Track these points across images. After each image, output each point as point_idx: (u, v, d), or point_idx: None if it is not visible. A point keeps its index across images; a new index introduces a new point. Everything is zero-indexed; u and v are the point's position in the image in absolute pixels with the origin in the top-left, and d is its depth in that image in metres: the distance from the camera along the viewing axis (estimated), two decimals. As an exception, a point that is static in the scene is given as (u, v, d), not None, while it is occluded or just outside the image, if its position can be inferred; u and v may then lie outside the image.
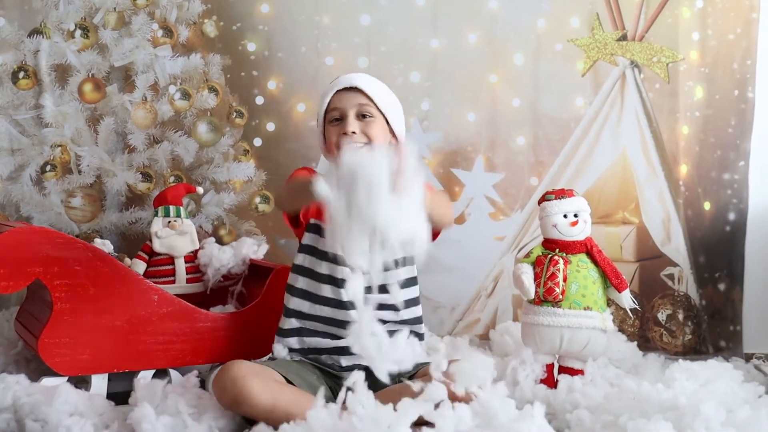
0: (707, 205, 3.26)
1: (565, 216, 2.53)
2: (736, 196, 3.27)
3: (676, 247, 3.22)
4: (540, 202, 2.59)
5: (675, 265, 3.23)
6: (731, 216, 3.27)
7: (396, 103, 2.28)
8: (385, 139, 2.23)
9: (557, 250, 2.50)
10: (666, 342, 3.19)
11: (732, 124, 3.27)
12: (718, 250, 3.27)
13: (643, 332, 3.20)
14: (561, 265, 2.46)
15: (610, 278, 2.49)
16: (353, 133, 2.16)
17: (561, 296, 2.45)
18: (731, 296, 3.25)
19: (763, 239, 3.29)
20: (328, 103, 2.22)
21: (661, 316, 3.19)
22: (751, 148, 3.27)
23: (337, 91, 2.21)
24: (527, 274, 2.50)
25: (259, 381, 1.96)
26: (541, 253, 2.53)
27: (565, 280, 2.45)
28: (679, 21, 3.26)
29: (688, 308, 3.20)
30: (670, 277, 3.22)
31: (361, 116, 2.20)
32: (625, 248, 3.22)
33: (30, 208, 3.00)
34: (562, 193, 2.56)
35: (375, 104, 2.20)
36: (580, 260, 2.51)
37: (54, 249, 2.29)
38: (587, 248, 2.53)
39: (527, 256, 2.56)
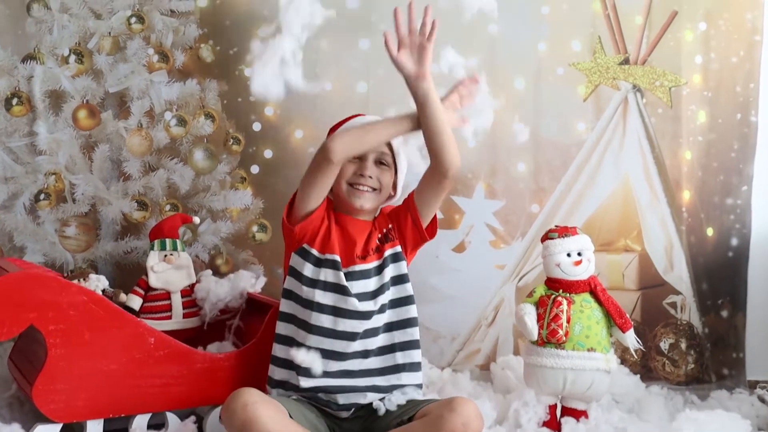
0: (710, 231, 3.23)
1: (568, 255, 2.51)
2: (738, 221, 3.25)
3: (678, 274, 3.19)
4: (543, 239, 2.56)
5: (678, 293, 3.20)
6: (734, 241, 3.24)
7: (405, 160, 2.35)
8: (389, 191, 2.31)
9: (560, 290, 2.48)
10: (668, 372, 3.16)
11: (735, 148, 3.24)
12: (721, 276, 3.24)
13: (645, 362, 3.18)
14: (564, 306, 2.44)
15: (614, 318, 2.47)
16: (369, 177, 2.25)
17: (564, 338, 2.43)
18: (734, 323, 3.23)
19: (766, 264, 3.26)
20: None
21: (664, 345, 3.16)
22: (754, 172, 3.25)
23: None
24: (530, 315, 2.48)
25: (270, 410, 1.98)
26: (544, 293, 2.51)
27: (568, 321, 2.43)
28: (681, 44, 3.22)
29: (690, 337, 3.17)
30: (673, 305, 3.19)
31: (378, 162, 2.28)
32: (628, 276, 3.19)
33: (23, 237, 2.94)
34: (565, 231, 2.54)
35: (393, 155, 2.28)
36: (584, 300, 2.49)
37: (48, 293, 2.25)
38: (591, 287, 2.50)
39: (530, 295, 2.54)
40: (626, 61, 3.20)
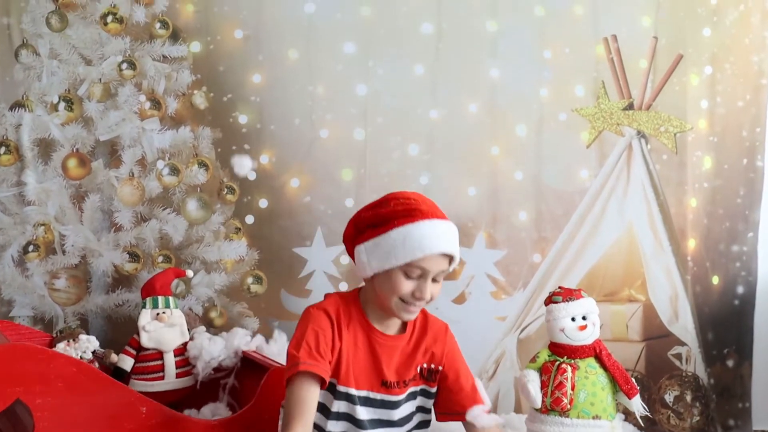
0: (715, 279, 3.18)
1: (573, 319, 2.42)
2: (744, 268, 3.20)
3: (683, 325, 3.13)
4: (546, 302, 2.48)
5: (683, 344, 3.14)
6: (740, 289, 3.20)
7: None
8: None
9: (565, 357, 2.40)
10: (673, 425, 3.10)
11: (741, 194, 3.21)
12: (727, 325, 3.19)
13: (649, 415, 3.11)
14: (569, 374, 2.36)
15: (620, 384, 2.39)
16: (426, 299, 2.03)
17: (569, 406, 2.35)
18: (740, 372, 3.19)
19: (773, 312, 3.21)
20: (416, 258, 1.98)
21: (669, 397, 3.10)
22: (760, 218, 3.21)
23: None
24: (533, 382, 2.41)
25: None
26: (548, 359, 2.43)
27: (573, 388, 2.35)
28: (687, 88, 3.17)
29: (696, 389, 3.12)
30: (678, 356, 3.13)
31: (434, 279, 2.04)
32: (632, 327, 3.13)
33: (12, 290, 2.88)
34: (569, 295, 2.45)
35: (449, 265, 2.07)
36: (589, 365, 2.40)
37: (36, 366, 2.19)
38: (596, 352, 2.42)
39: (533, 360, 2.46)
40: (630, 107, 3.14)
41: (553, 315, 2.44)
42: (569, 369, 2.37)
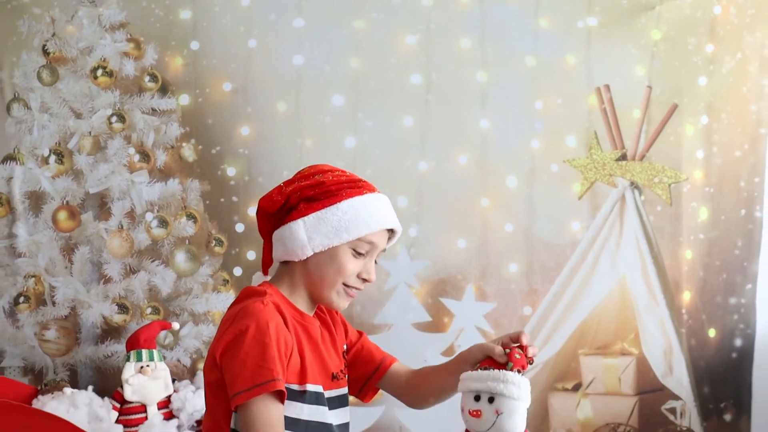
0: (712, 332, 3.14)
1: (477, 398, 1.71)
2: (742, 320, 3.16)
3: (678, 379, 3.10)
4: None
5: (677, 398, 3.11)
6: (738, 342, 3.16)
7: None
8: None
9: None
10: (667, 481, 3.07)
11: (738, 245, 3.16)
12: (724, 378, 3.15)
13: (644, 471, 3.09)
14: None
15: None
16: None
17: None
18: (738, 427, 3.15)
19: (772, 364, 3.16)
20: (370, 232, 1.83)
21: (663, 453, 3.07)
22: (758, 270, 3.16)
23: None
24: None
25: None
26: None
27: None
28: (682, 138, 3.14)
29: (691, 444, 3.08)
30: (672, 411, 3.10)
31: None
32: (624, 381, 3.10)
33: (2, 341, 2.92)
34: (488, 363, 1.76)
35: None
36: None
37: (13, 424, 2.20)
38: None
39: None
40: (623, 157, 3.12)
41: (459, 388, 1.78)
42: None
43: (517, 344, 1.78)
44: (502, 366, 1.72)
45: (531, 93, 3.10)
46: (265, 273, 1.91)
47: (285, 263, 1.87)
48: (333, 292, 1.84)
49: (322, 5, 3.04)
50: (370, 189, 1.89)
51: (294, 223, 1.81)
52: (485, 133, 3.09)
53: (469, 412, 1.69)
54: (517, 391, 1.68)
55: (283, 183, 1.86)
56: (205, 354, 2.94)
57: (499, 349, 1.76)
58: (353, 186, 1.85)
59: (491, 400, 1.68)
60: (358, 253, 1.83)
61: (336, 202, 1.82)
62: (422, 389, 2.02)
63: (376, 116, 3.05)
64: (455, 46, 3.08)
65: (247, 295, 1.81)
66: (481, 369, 1.74)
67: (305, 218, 1.81)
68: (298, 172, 1.89)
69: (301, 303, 1.86)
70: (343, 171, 1.88)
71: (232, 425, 1.74)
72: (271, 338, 1.69)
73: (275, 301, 1.77)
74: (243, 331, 1.69)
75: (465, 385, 1.74)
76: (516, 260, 3.10)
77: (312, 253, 1.81)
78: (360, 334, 2.05)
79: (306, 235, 1.80)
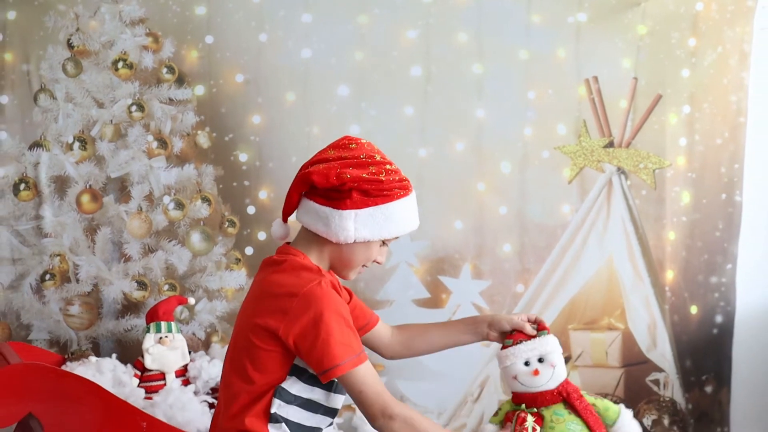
0: (694, 309, 3.29)
1: (526, 363, 2.15)
2: (723, 299, 3.31)
3: (661, 352, 3.25)
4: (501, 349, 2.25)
5: (660, 370, 3.26)
6: (718, 319, 3.31)
7: None
8: None
9: (523, 405, 2.15)
10: (651, 448, 3.24)
11: (720, 228, 3.31)
12: (705, 352, 3.30)
13: (628, 438, 3.24)
14: (529, 423, 2.10)
15: (593, 430, 2.13)
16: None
17: None
18: (718, 398, 3.30)
19: (751, 340, 3.32)
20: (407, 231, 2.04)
21: (647, 421, 3.23)
22: (738, 251, 3.32)
23: None
24: None
25: None
26: (510, 409, 2.21)
27: None
28: (666, 127, 3.28)
29: (673, 413, 3.24)
30: (656, 382, 3.25)
31: None
32: (611, 354, 3.25)
33: (30, 316, 3.10)
34: (520, 337, 2.19)
35: None
36: (555, 413, 2.13)
37: (45, 383, 2.38)
38: (563, 396, 2.14)
39: (496, 414, 2.25)
40: (611, 144, 3.27)
41: (503, 363, 2.19)
42: (530, 417, 2.12)
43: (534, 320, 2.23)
44: (532, 336, 2.19)
45: (524, 84, 3.24)
46: (285, 221, 2.08)
47: (316, 235, 2.00)
48: (354, 272, 2.05)
49: (328, 2, 3.17)
50: (411, 188, 2.04)
51: (346, 212, 1.93)
52: (481, 122, 3.24)
53: (533, 373, 2.13)
54: (558, 347, 2.18)
55: (339, 164, 1.94)
56: (218, 328, 3.13)
57: (528, 327, 2.18)
58: (402, 187, 1.99)
59: (540, 360, 2.14)
60: (384, 243, 2.04)
61: (387, 202, 1.96)
62: (414, 344, 2.26)
63: (379, 106, 3.20)
64: (453, 40, 3.22)
65: (298, 268, 1.95)
66: (516, 342, 2.18)
67: (358, 211, 1.93)
68: (350, 150, 1.98)
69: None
70: (390, 162, 2.02)
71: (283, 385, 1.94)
72: (345, 318, 1.90)
73: (331, 280, 1.95)
74: (319, 315, 1.87)
75: (517, 357, 2.16)
76: (510, 241, 3.25)
77: (353, 242, 1.96)
78: (350, 292, 2.24)
79: (354, 225, 1.94)
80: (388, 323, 2.36)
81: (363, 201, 1.93)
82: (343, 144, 2.01)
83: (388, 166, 1.98)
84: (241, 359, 1.98)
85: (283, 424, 1.95)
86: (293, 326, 1.88)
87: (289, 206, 2.05)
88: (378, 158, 1.98)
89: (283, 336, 1.89)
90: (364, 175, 1.92)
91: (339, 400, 2.04)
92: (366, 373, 1.90)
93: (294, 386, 1.96)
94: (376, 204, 1.94)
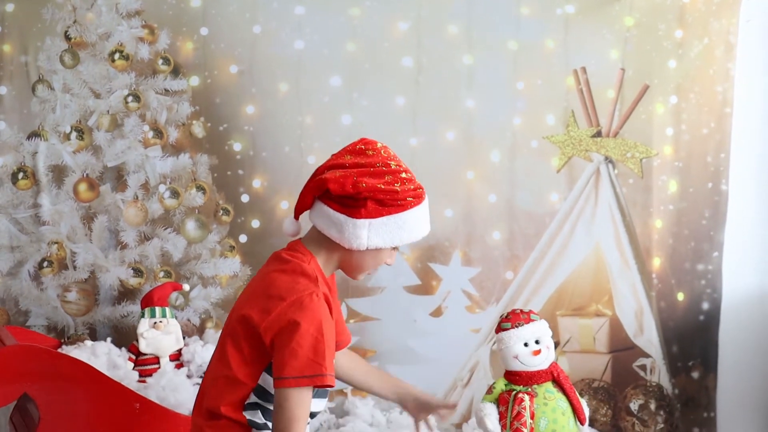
0: (681, 296, 3.34)
1: (526, 345, 2.34)
2: (709, 285, 3.36)
3: (648, 338, 3.31)
4: (497, 330, 2.40)
5: (647, 356, 3.32)
6: (705, 305, 3.36)
7: None
8: None
9: (521, 386, 2.32)
10: (638, 431, 3.28)
11: (706, 216, 3.36)
12: (692, 339, 3.36)
13: (615, 422, 3.30)
14: (526, 403, 2.28)
15: (576, 410, 2.33)
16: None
17: None
18: (705, 384, 3.35)
19: (737, 327, 3.38)
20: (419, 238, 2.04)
21: (634, 406, 3.28)
22: (724, 239, 3.37)
23: None
24: (490, 416, 2.33)
25: None
26: (504, 388, 2.35)
27: (532, 417, 2.28)
28: (653, 117, 3.34)
29: (660, 398, 3.29)
30: (643, 368, 3.31)
31: None
32: (598, 340, 3.31)
33: (28, 302, 3.16)
34: (518, 320, 2.36)
35: None
36: (547, 390, 2.33)
37: (40, 364, 2.47)
38: (553, 376, 2.35)
39: (489, 391, 2.38)
40: (598, 134, 3.32)
41: (505, 343, 2.35)
42: (527, 398, 2.29)
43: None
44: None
45: (513, 74, 3.30)
46: (296, 218, 2.06)
47: (327, 238, 1.97)
48: (363, 275, 2.05)
49: (320, -6, 3.23)
50: (424, 196, 2.02)
51: (360, 221, 1.91)
52: (471, 112, 3.30)
53: (533, 353, 2.32)
54: (549, 331, 2.38)
55: (356, 172, 1.92)
56: (213, 314, 3.19)
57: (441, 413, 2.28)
58: (417, 195, 1.97)
59: (536, 342, 2.33)
60: (394, 248, 2.00)
61: (401, 211, 1.93)
62: (353, 375, 2.26)
63: (371, 96, 3.25)
64: (444, 32, 3.28)
65: (299, 273, 1.92)
66: (514, 325, 2.35)
67: (372, 221, 1.91)
68: (366, 157, 1.95)
69: (328, 271, 2.01)
70: (406, 169, 1.98)
71: (260, 382, 1.92)
72: (324, 336, 1.84)
73: (325, 293, 1.91)
74: (297, 324, 1.83)
75: (519, 338, 2.33)
76: (499, 228, 3.31)
77: (365, 249, 1.95)
78: (337, 306, 2.18)
79: (366, 233, 1.92)
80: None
81: (377, 210, 1.92)
82: (360, 149, 1.99)
83: (403, 175, 1.96)
84: (225, 345, 1.98)
85: (259, 412, 1.94)
86: (272, 326, 1.87)
87: (302, 206, 2.05)
88: (394, 166, 1.97)
89: (262, 333, 1.88)
90: (379, 185, 1.91)
91: (319, 404, 2.00)
92: (298, 401, 1.85)
93: (271, 383, 1.93)
94: (390, 213, 1.93)
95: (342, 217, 1.92)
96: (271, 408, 1.90)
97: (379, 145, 2.01)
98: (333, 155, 2.02)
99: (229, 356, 1.94)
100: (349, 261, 1.99)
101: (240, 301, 2.05)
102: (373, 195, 1.91)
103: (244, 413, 1.92)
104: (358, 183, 1.90)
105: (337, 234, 1.94)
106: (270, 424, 1.91)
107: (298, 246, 2.02)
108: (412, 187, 1.96)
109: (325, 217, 1.96)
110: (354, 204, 1.92)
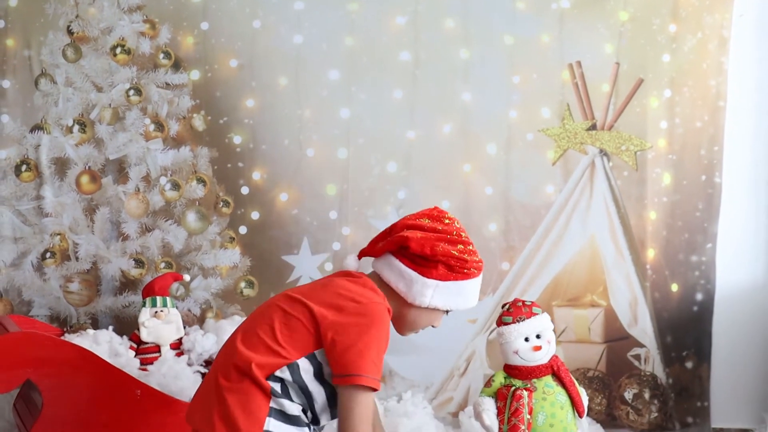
0: (674, 287, 3.38)
1: (526, 339, 2.39)
2: (703, 277, 3.40)
3: (642, 328, 3.34)
4: (498, 323, 2.46)
5: (641, 345, 3.35)
6: (698, 296, 3.40)
7: None
8: None
9: (520, 382, 2.38)
10: (632, 420, 3.32)
11: (700, 208, 3.40)
12: (686, 329, 3.40)
13: (609, 411, 3.34)
14: (525, 399, 2.32)
15: (575, 403, 2.38)
16: None
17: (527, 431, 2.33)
18: (698, 373, 3.39)
19: (731, 317, 3.41)
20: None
21: (628, 395, 3.32)
22: (718, 231, 3.41)
23: None
24: (489, 411, 2.38)
25: None
26: (503, 382, 2.40)
27: (530, 412, 2.33)
28: (647, 110, 3.37)
29: (654, 387, 3.33)
30: (637, 357, 3.34)
31: None
32: (593, 330, 3.34)
33: (31, 293, 3.20)
34: (519, 314, 2.41)
35: None
36: (546, 385, 2.38)
37: (44, 351, 2.50)
38: (553, 369, 2.40)
39: (488, 385, 2.43)
40: (593, 127, 3.36)
41: (505, 337, 2.40)
42: (525, 394, 2.33)
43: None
44: (527, 315, 2.42)
45: (509, 68, 3.34)
46: (360, 258, 2.13)
47: (390, 288, 2.06)
48: (413, 332, 2.14)
49: (319, -11, 3.26)
50: (482, 269, 2.12)
51: (430, 280, 2.03)
52: (467, 105, 3.34)
53: (533, 348, 2.36)
54: (551, 324, 2.43)
55: (435, 237, 2.03)
56: (213, 304, 3.23)
57: None
58: (478, 268, 2.09)
59: (537, 336, 2.37)
60: (446, 312, 2.11)
61: (465, 279, 2.06)
62: None
63: (369, 89, 3.29)
64: (441, 26, 3.32)
65: (371, 288, 2.01)
66: (516, 319, 2.40)
67: (440, 282, 2.03)
68: (444, 225, 2.07)
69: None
70: (471, 241, 2.09)
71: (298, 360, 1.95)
72: (386, 347, 1.95)
73: (390, 309, 2.01)
74: (368, 327, 1.91)
75: (520, 333, 2.38)
76: (495, 220, 3.35)
77: (425, 307, 2.06)
78: None
79: (431, 293, 2.03)
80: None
81: (446, 275, 2.03)
82: (437, 216, 2.10)
83: (470, 247, 2.09)
84: (273, 320, 1.99)
85: (279, 385, 1.95)
86: (340, 320, 1.93)
87: (372, 252, 2.13)
88: (464, 237, 2.09)
89: (322, 322, 1.93)
90: (453, 252, 2.03)
91: (326, 416, 2.05)
92: (368, 401, 1.93)
93: (305, 369, 1.96)
94: (456, 279, 2.04)
95: (414, 274, 2.03)
96: (293, 384, 1.94)
97: (451, 215, 2.13)
98: (408, 216, 2.13)
99: (276, 330, 1.97)
100: (406, 315, 2.08)
101: (297, 291, 2.06)
102: (446, 260, 2.03)
103: (268, 380, 1.95)
104: (435, 246, 2.02)
105: (405, 288, 2.04)
106: (286, 403, 1.94)
107: (367, 280, 2.08)
108: (476, 259, 2.09)
109: (395, 271, 2.06)
110: (426, 264, 2.03)
